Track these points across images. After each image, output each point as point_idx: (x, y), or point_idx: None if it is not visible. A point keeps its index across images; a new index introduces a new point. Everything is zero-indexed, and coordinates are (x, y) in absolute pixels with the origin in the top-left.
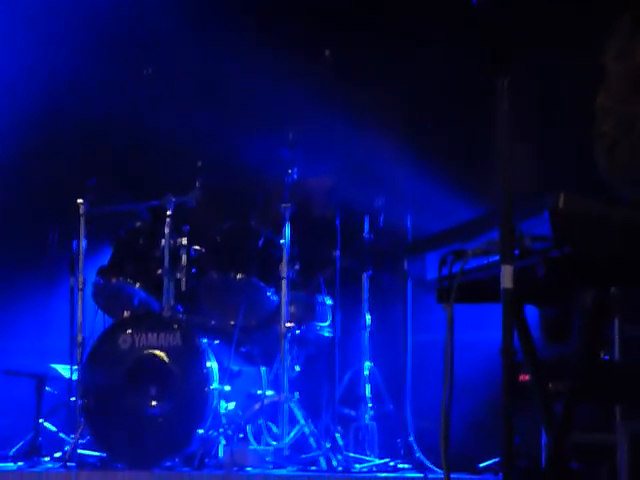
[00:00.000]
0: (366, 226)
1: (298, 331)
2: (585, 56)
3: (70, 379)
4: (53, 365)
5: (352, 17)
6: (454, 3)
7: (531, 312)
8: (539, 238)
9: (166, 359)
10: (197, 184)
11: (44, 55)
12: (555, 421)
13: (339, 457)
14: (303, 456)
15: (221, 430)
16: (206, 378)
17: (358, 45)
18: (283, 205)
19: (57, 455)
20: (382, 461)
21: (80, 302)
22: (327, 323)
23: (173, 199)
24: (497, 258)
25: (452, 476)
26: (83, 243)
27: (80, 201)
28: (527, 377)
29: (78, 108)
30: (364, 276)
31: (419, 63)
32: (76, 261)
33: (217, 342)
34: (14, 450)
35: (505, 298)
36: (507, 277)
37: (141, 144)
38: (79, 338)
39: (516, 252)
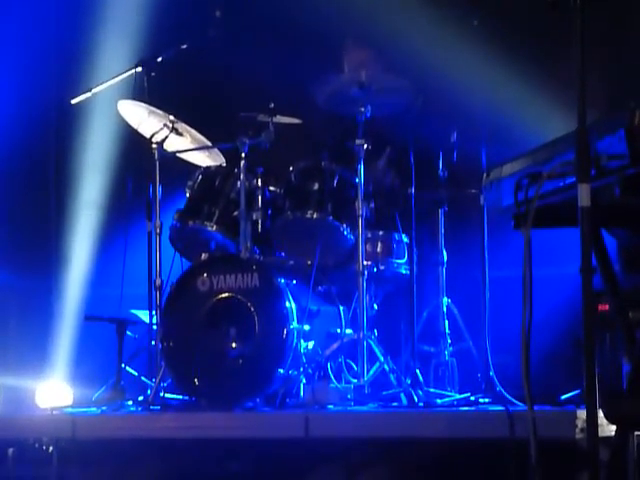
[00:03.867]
0: (440, 162)
1: (375, 269)
2: None
3: (150, 323)
4: (133, 310)
5: None
6: None
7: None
8: (615, 157)
9: (245, 300)
10: (270, 125)
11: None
12: (636, 348)
13: (420, 393)
14: (384, 393)
15: (301, 369)
16: (285, 318)
17: None
18: (357, 143)
19: (140, 399)
20: (463, 396)
21: (157, 246)
22: (404, 260)
23: (247, 141)
24: (573, 180)
25: (534, 408)
26: (159, 188)
27: (154, 146)
28: (606, 307)
29: (150, 52)
30: (440, 212)
31: None
32: (153, 206)
33: (295, 282)
34: (97, 394)
35: (583, 217)
36: (584, 195)
37: (213, 86)
38: (157, 282)
39: (592, 172)
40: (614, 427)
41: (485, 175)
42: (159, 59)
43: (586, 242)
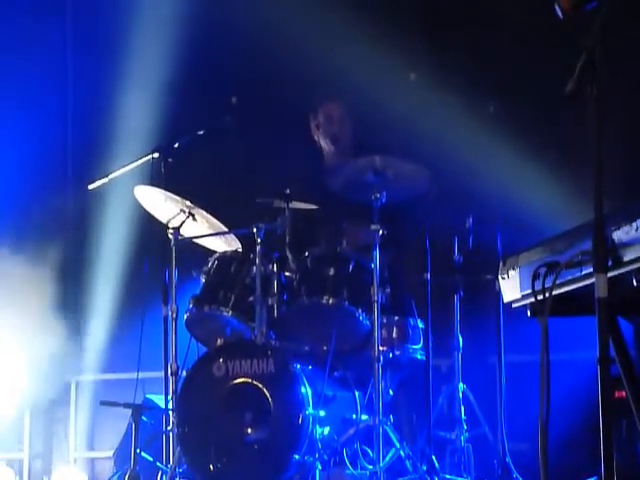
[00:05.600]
0: (456, 247)
1: (391, 355)
2: None
3: (166, 409)
4: (149, 395)
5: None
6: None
7: (626, 330)
8: (632, 247)
9: (260, 386)
10: (286, 211)
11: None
12: None
13: (436, 479)
14: (400, 479)
15: (317, 455)
16: (301, 404)
17: (444, 59)
18: (372, 229)
19: None
20: None
21: (173, 331)
22: (419, 346)
23: (263, 226)
24: (590, 269)
25: None
26: (175, 272)
27: (171, 231)
28: (623, 394)
29: (167, 138)
30: (455, 297)
31: (509, 74)
32: (169, 290)
33: (310, 367)
34: None
35: (600, 307)
36: (601, 286)
37: (230, 172)
38: (173, 367)
39: (609, 262)
40: None
41: (502, 263)
42: (176, 145)
43: (603, 332)
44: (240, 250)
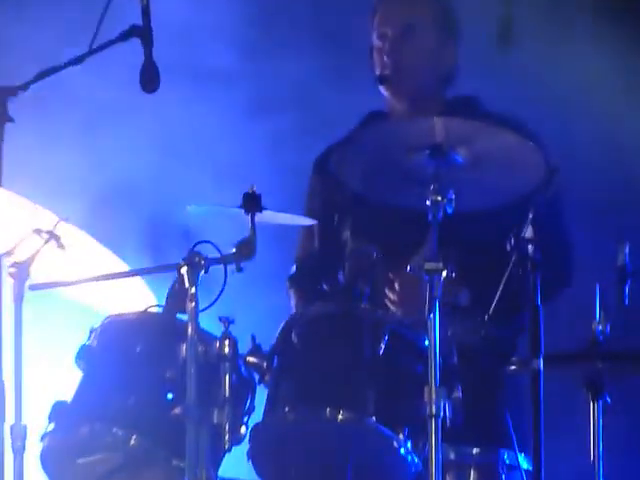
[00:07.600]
0: (597, 303)
1: None
2: None
3: None
4: None
5: None
6: None
7: None
8: None
9: None
10: (250, 228)
11: None
12: None
13: None
14: None
15: None
16: None
17: None
18: (428, 267)
19: None
20: None
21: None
22: None
23: (201, 262)
24: None
25: None
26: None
27: (12, 270)
28: None
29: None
30: (597, 406)
31: None
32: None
33: None
34: None
35: None
36: None
37: (135, 151)
38: None
39: None
40: None
41: None
42: (23, 90)
43: None
44: (156, 310)
